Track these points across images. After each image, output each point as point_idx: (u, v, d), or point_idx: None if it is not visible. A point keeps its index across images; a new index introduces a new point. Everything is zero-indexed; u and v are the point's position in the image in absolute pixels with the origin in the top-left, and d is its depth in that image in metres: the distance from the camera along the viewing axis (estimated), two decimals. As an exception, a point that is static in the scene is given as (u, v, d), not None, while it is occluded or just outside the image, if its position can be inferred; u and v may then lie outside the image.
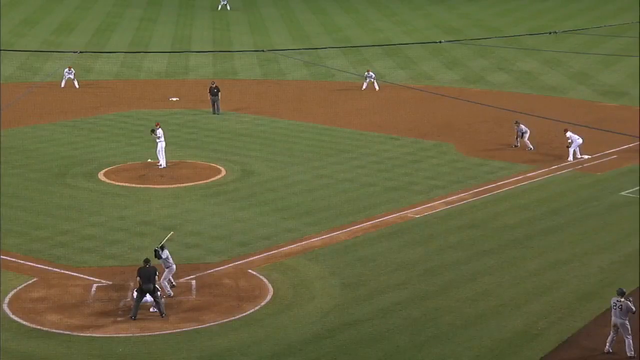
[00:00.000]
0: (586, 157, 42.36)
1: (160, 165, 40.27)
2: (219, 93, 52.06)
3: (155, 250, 26.76)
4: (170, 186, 38.07)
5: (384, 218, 34.08)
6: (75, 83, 58.88)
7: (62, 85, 58.86)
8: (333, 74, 63.20)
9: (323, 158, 42.57)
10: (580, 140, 41.86)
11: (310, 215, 34.37)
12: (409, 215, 34.54)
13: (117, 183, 38.49)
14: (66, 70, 59.24)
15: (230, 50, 72.77)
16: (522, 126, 44.00)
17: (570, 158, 41.79)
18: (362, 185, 38.32)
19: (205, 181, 38.87)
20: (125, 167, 41.04)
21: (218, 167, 41.05)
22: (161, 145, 40.41)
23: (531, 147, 43.52)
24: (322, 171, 40.42)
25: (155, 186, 38.04)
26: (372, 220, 33.76)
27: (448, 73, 65.28)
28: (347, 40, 78.19)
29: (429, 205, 35.69)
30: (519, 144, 44.00)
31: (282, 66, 67.32)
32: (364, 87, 58.65)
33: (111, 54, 68.91)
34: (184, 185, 38.26)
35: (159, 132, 40.60)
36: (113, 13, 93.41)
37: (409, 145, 45.17)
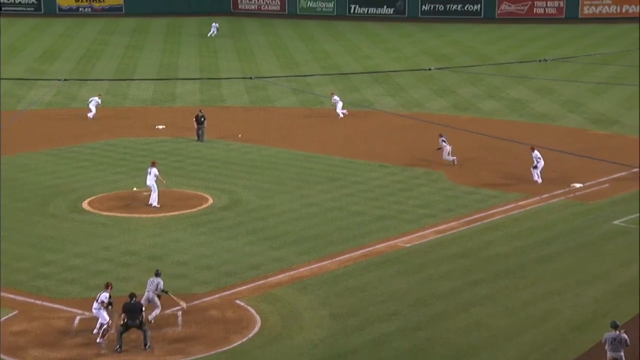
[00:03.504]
0: (578, 185, 42.48)
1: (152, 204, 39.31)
2: (205, 121, 51.99)
3: (157, 271, 27.17)
4: (156, 215, 37.89)
5: (374, 247, 33.98)
6: (93, 111, 57.74)
7: (92, 114, 57.52)
8: (322, 101, 63.30)
9: (312, 186, 42.51)
10: (542, 162, 42.55)
11: (299, 244, 34.24)
12: (399, 244, 34.45)
13: (101, 212, 38.29)
14: (95, 98, 58.27)
15: (218, 77, 72.87)
16: (442, 139, 45.90)
17: (539, 180, 42.44)
18: (351, 213, 38.24)
19: (191, 210, 38.71)
20: (109, 196, 40.85)
21: (205, 195, 40.92)
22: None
23: (453, 158, 45.92)
24: (311, 199, 40.34)
25: (141, 215, 37.86)
26: (361, 250, 33.66)
27: (438, 100, 65.51)
28: (336, 68, 78.44)
29: (420, 234, 35.62)
30: (453, 160, 45.95)
31: (270, 93, 67.43)
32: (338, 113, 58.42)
33: (96, 82, 68.86)
34: (170, 214, 38.09)
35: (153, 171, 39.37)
36: (98, 40, 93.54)
37: (399, 173, 45.18)
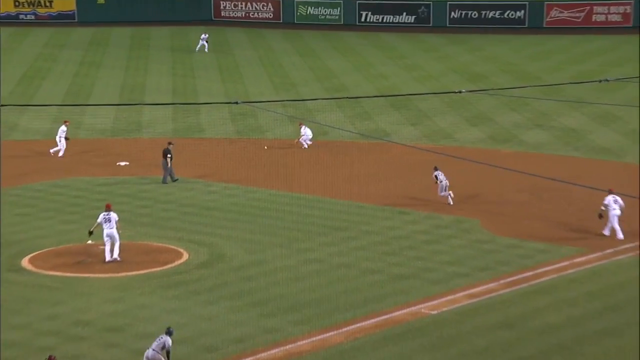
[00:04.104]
0: (648, 236, 42.35)
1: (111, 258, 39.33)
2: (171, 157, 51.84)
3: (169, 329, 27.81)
4: (116, 275, 37.81)
5: (391, 315, 33.91)
6: (62, 147, 57.68)
7: (58, 149, 57.59)
8: (326, 131, 63.43)
9: (313, 238, 42.47)
10: (617, 211, 42.23)
11: (296, 311, 34.14)
12: (422, 311, 34.37)
13: (47, 272, 38.18)
14: (62, 127, 58.04)
15: (196, 102, 73.10)
16: (437, 172, 47.65)
17: (607, 232, 42.45)
18: (362, 272, 38.17)
19: (162, 268, 38.64)
20: (58, 251, 40.78)
21: (178, 249, 40.87)
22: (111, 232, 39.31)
23: (450, 201, 47.20)
24: (312, 254, 40.29)
25: (97, 275, 37.78)
26: (375, 318, 33.58)
27: (471, 130, 65.65)
28: (343, 89, 78.70)
29: (449, 298, 35.54)
30: (450, 198, 47.41)
31: (261, 122, 67.63)
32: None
33: (42, 108, 69.08)
34: (134, 273, 38.01)
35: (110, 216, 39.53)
36: (44, 55, 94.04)
37: (422, 221, 45.17)
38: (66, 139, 57.71)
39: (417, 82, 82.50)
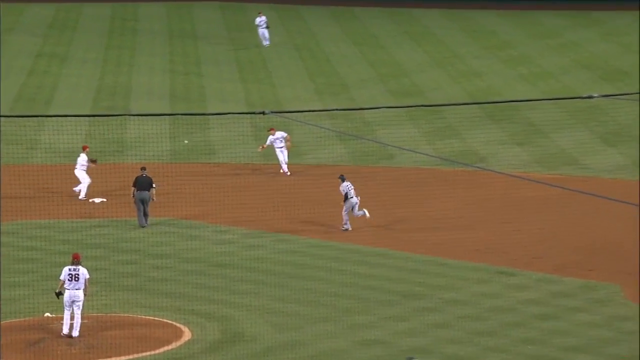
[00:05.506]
0: None
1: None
2: (153, 189, 52.13)
3: None
4: (86, 362, 38.11)
5: (488, 423, 33.99)
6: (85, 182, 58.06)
7: (84, 185, 58.21)
8: (392, 153, 63.51)
9: (372, 308, 42.51)
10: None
11: (348, 416, 34.31)
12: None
13: (-11, 357, 38.54)
14: (82, 155, 58.51)
15: (204, 112, 73.35)
16: (347, 184, 50.44)
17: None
18: (447, 358, 38.16)
19: (153, 352, 38.78)
20: (5, 326, 41.00)
21: (177, 325, 41.02)
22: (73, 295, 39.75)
23: (348, 226, 50.37)
24: (372, 333, 40.29)
25: (59, 362, 38.06)
26: None
27: (608, 153, 65.39)
28: (418, 93, 78.77)
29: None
30: (348, 225, 51.04)
31: (298, 139, 67.68)
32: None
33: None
34: (114, 359, 38.18)
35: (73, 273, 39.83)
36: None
37: (533, 286, 45.10)
38: (93, 161, 57.79)
39: (527, 83, 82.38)
